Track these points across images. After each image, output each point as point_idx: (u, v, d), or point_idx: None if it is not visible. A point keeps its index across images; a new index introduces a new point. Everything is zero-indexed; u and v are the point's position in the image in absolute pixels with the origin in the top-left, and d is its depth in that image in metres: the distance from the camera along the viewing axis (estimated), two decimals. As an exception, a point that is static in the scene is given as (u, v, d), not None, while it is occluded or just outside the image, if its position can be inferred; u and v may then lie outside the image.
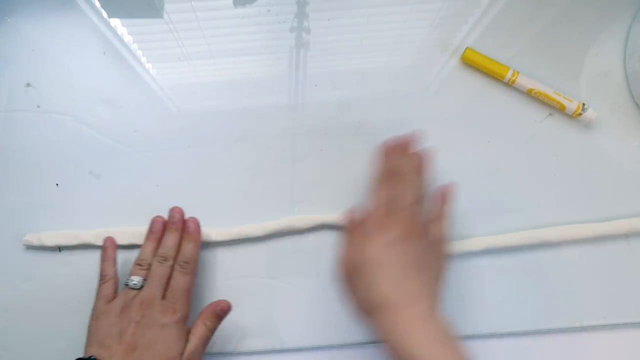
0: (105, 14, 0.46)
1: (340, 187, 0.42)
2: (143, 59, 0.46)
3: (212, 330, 0.37)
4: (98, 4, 0.46)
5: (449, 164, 0.43)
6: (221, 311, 0.37)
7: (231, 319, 0.40)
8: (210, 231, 0.41)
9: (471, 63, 0.44)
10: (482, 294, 0.41)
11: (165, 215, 0.40)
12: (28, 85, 0.44)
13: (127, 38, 0.46)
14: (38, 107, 0.44)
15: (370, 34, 0.46)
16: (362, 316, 0.34)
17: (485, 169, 0.43)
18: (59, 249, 0.41)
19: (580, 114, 0.42)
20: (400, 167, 0.36)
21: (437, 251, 0.36)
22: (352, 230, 0.36)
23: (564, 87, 0.44)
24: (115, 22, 0.46)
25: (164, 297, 0.36)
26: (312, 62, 0.46)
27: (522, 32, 0.46)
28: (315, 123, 0.44)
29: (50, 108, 0.44)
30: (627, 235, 0.41)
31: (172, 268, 0.37)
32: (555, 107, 0.43)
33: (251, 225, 0.41)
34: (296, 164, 0.43)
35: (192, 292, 0.37)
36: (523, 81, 0.43)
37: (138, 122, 0.44)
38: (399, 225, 0.34)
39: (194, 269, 0.38)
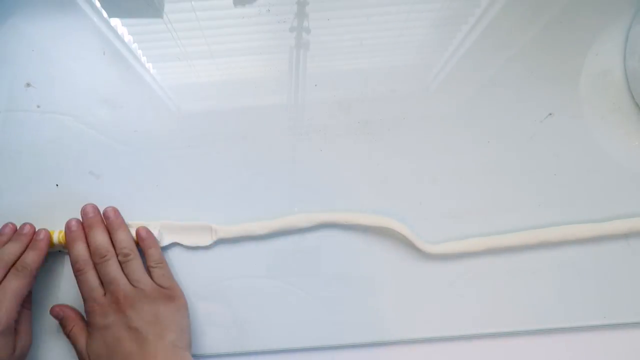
0: (105, 14, 0.46)
1: (340, 187, 0.42)
2: (143, 59, 0.46)
3: (30, 309, 0.38)
4: (98, 4, 0.46)
5: (449, 164, 0.43)
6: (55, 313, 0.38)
7: (231, 319, 0.40)
8: (217, 228, 0.41)
9: None
10: (482, 294, 0.41)
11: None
12: (28, 85, 0.44)
13: (127, 38, 0.46)
14: (38, 107, 0.44)
15: (370, 34, 0.46)
16: None
17: (485, 169, 0.43)
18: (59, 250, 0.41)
19: None
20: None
21: (169, 297, 0.37)
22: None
23: (564, 87, 0.44)
24: (115, 22, 0.46)
25: None
26: (312, 62, 0.46)
27: (522, 32, 0.46)
28: (315, 123, 0.44)
29: (50, 108, 0.44)
30: (627, 235, 0.41)
31: (7, 273, 0.37)
32: None
33: (257, 223, 0.41)
34: (296, 164, 0.43)
35: (22, 298, 0.36)
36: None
37: (138, 122, 0.44)
38: (109, 304, 0.36)
39: (31, 275, 0.37)
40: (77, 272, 0.37)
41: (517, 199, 0.42)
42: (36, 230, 0.39)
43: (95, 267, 0.37)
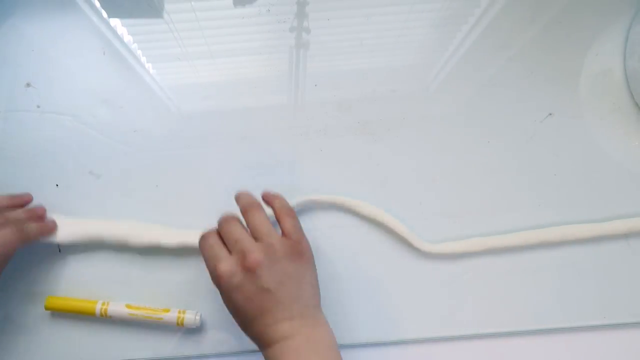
0: (105, 14, 0.46)
1: (341, 187, 0.42)
2: (143, 59, 0.46)
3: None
4: (98, 4, 0.46)
5: (449, 164, 0.43)
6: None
7: (230, 319, 0.40)
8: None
9: (57, 308, 0.39)
10: (482, 294, 0.41)
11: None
12: (28, 85, 0.44)
13: (127, 38, 0.46)
14: (38, 107, 0.44)
15: (370, 34, 0.46)
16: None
17: (485, 169, 0.43)
18: (59, 249, 0.41)
19: (182, 321, 0.39)
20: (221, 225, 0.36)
21: (289, 260, 0.35)
22: (212, 278, 0.35)
23: (564, 87, 0.44)
24: (115, 22, 0.46)
25: None
26: (312, 62, 0.46)
27: (522, 32, 0.46)
28: (315, 123, 0.44)
29: (50, 108, 0.44)
30: (626, 235, 0.41)
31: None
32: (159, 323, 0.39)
33: None
34: (296, 164, 0.43)
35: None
36: (116, 309, 0.39)
37: (138, 122, 0.44)
38: (235, 267, 0.33)
39: (24, 238, 0.36)
40: (201, 239, 0.36)
41: (517, 199, 0.42)
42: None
43: (220, 231, 0.36)
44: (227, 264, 0.33)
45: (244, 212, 0.36)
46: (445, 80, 0.45)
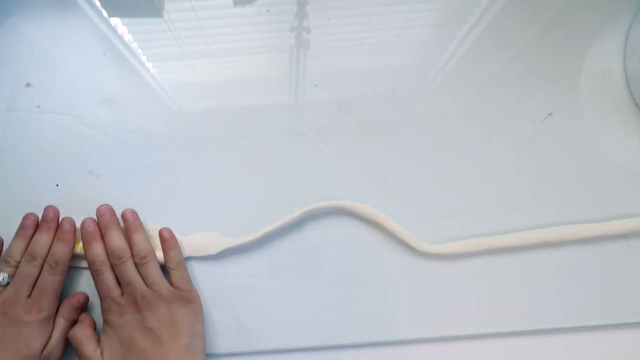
0: (105, 14, 0.46)
1: (341, 187, 0.42)
2: (143, 59, 0.46)
3: (71, 323, 0.38)
4: (98, 4, 0.46)
5: (449, 164, 0.43)
6: (77, 302, 0.39)
7: (231, 319, 0.40)
8: (228, 239, 0.41)
9: None
10: (482, 294, 0.41)
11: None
12: (28, 85, 0.44)
13: (127, 38, 0.46)
14: (38, 107, 0.44)
15: (370, 34, 0.46)
16: None
17: (485, 169, 0.43)
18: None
19: None
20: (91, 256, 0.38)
21: (186, 300, 0.38)
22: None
23: (564, 87, 0.44)
24: (115, 22, 0.46)
25: (30, 295, 0.36)
26: (312, 62, 0.46)
27: (522, 32, 0.46)
28: (315, 123, 0.44)
29: (50, 108, 0.44)
30: (627, 235, 0.41)
31: (41, 267, 0.37)
32: None
33: (263, 229, 0.41)
34: (296, 164, 0.43)
35: (60, 292, 0.38)
36: None
37: (138, 122, 0.44)
38: (127, 304, 0.37)
39: (64, 270, 0.38)
40: (95, 273, 0.38)
41: (517, 199, 0.42)
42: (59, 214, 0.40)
43: (113, 267, 0.38)
44: (116, 305, 0.36)
45: (139, 262, 0.38)
46: (445, 80, 0.45)
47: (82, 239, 0.39)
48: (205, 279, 0.41)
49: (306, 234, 0.42)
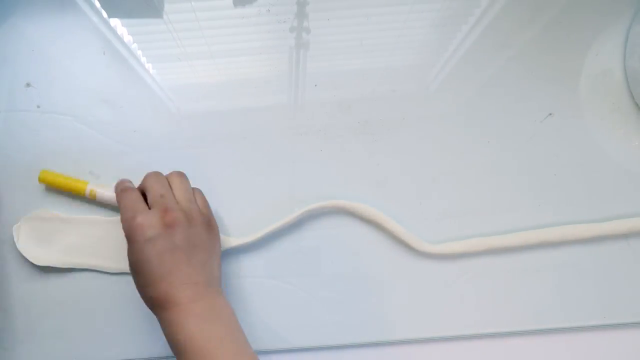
0: (105, 14, 0.46)
1: (341, 187, 0.42)
2: (143, 59, 0.46)
3: None
4: (98, 4, 0.46)
5: (449, 164, 0.43)
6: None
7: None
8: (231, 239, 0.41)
9: (49, 184, 0.41)
10: (481, 294, 0.41)
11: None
12: (28, 85, 0.44)
13: (127, 38, 0.46)
14: (38, 107, 0.44)
15: (370, 34, 0.46)
16: (153, 311, 0.34)
17: (485, 169, 0.43)
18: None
19: None
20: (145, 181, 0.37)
21: (204, 229, 0.36)
22: (127, 228, 0.35)
23: (564, 87, 0.44)
24: (115, 22, 0.46)
25: None
26: (312, 62, 0.46)
27: (522, 32, 0.46)
28: (315, 123, 0.44)
29: (50, 108, 0.44)
30: (627, 235, 0.41)
31: None
32: None
33: (264, 230, 0.41)
34: (296, 164, 0.43)
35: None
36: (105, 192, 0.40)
37: (138, 122, 0.44)
38: (155, 220, 0.34)
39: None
40: (120, 192, 0.36)
41: (517, 199, 0.42)
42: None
43: (145, 188, 0.36)
44: (146, 216, 0.34)
45: (170, 177, 0.37)
46: (445, 80, 0.45)
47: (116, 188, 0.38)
48: (205, 279, 0.41)
49: (306, 234, 0.42)
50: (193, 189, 0.38)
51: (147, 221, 0.33)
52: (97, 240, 0.41)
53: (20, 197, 0.42)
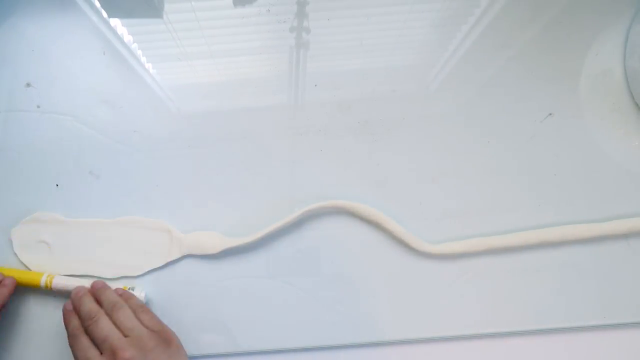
0: (105, 14, 0.46)
1: (341, 187, 0.42)
2: (143, 59, 0.46)
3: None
4: (98, 4, 0.46)
5: (449, 164, 0.43)
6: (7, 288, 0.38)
7: (231, 319, 0.40)
8: (228, 239, 0.41)
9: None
10: (482, 294, 0.41)
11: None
12: (28, 85, 0.44)
13: (127, 38, 0.46)
14: (38, 107, 0.44)
15: (370, 34, 0.46)
16: None
17: (485, 169, 0.43)
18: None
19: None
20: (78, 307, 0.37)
21: (161, 350, 0.35)
22: None
23: (564, 87, 0.44)
24: (115, 22, 0.46)
25: None
26: (312, 62, 0.46)
27: (522, 32, 0.46)
28: (315, 123, 0.44)
29: (50, 108, 0.44)
30: (627, 235, 0.41)
31: None
32: None
33: (263, 230, 0.41)
34: (296, 164, 0.43)
35: None
36: (60, 281, 0.40)
37: (138, 122, 0.44)
38: None
39: None
40: (71, 341, 0.36)
41: (517, 199, 0.42)
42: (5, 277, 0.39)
43: (87, 330, 0.36)
44: None
45: (110, 310, 0.37)
46: (445, 80, 0.45)
47: (64, 320, 0.38)
48: (205, 279, 0.41)
49: (306, 234, 0.42)
50: (135, 308, 0.37)
51: None
52: (97, 244, 0.41)
53: (19, 198, 0.42)
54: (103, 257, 0.41)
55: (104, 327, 0.35)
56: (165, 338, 0.36)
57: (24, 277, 0.39)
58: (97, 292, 0.39)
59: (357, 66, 0.46)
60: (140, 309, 0.38)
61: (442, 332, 0.40)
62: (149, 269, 0.41)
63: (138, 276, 0.41)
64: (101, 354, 0.34)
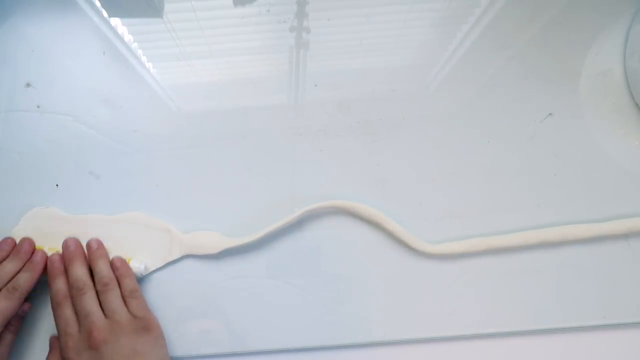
0: (105, 14, 0.46)
1: (341, 187, 0.42)
2: (143, 59, 0.46)
3: (15, 333, 0.38)
4: (98, 4, 0.46)
5: (449, 164, 0.43)
6: (22, 312, 0.38)
7: (231, 319, 0.40)
8: (228, 239, 0.41)
9: None
10: (481, 294, 0.41)
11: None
12: (28, 85, 0.44)
13: (127, 38, 0.46)
14: (38, 107, 0.44)
15: (370, 34, 0.46)
16: None
17: (485, 169, 0.43)
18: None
19: None
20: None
21: (137, 336, 0.36)
22: (62, 347, 0.36)
23: (564, 87, 0.44)
24: (115, 22, 0.46)
25: None
26: (312, 62, 0.46)
27: (522, 32, 0.46)
28: (315, 123, 0.44)
29: (50, 108, 0.44)
30: (627, 235, 0.41)
31: None
32: None
33: (263, 230, 0.41)
34: (296, 164, 0.43)
35: (9, 316, 0.36)
36: None
37: (138, 122, 0.44)
38: (81, 344, 0.35)
39: (21, 297, 0.37)
40: (55, 306, 0.37)
41: (517, 199, 0.42)
42: (35, 248, 0.39)
43: (72, 299, 0.37)
44: (75, 341, 0.35)
45: (100, 289, 0.37)
46: (445, 80, 0.45)
47: (48, 274, 0.38)
48: (205, 279, 0.41)
49: (306, 234, 0.42)
50: (126, 293, 0.38)
51: (75, 345, 0.35)
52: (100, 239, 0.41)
53: (20, 198, 0.42)
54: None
55: (88, 303, 0.36)
56: (144, 325, 0.36)
57: None
58: (91, 258, 0.39)
59: (357, 66, 0.46)
60: (131, 294, 0.38)
61: (442, 332, 0.40)
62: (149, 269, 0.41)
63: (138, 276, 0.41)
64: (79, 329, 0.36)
